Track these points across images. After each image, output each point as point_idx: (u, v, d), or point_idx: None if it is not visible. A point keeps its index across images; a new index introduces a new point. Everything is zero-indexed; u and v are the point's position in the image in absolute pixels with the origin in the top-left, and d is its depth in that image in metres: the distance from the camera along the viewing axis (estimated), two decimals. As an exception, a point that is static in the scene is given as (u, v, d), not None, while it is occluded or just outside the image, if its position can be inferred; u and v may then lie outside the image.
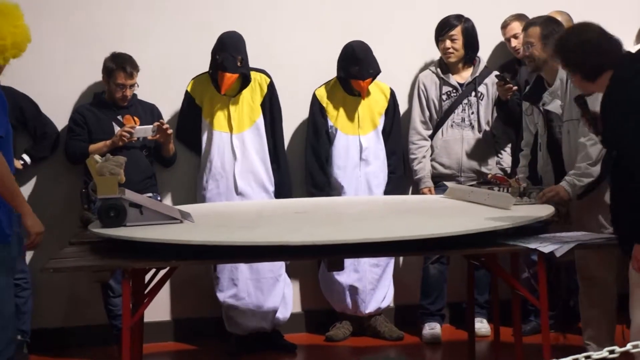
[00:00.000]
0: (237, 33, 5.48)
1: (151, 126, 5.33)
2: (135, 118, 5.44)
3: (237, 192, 5.53)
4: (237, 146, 5.55)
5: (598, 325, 4.94)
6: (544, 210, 4.40)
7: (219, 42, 5.43)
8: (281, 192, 5.63)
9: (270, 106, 5.64)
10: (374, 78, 5.61)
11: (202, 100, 5.57)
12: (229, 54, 5.38)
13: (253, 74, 5.57)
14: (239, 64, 5.40)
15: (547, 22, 4.90)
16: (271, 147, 5.63)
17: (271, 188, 5.62)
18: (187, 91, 5.60)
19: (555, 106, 4.84)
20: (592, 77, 3.96)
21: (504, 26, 5.83)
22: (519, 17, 5.76)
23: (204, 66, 5.55)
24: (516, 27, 5.74)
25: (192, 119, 5.61)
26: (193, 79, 5.60)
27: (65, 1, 5.60)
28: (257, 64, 5.58)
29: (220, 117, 5.54)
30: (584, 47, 3.97)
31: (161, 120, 5.39)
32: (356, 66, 5.53)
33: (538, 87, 4.98)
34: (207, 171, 5.56)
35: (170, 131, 5.40)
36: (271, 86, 5.64)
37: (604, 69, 3.93)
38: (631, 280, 4.07)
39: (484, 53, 5.93)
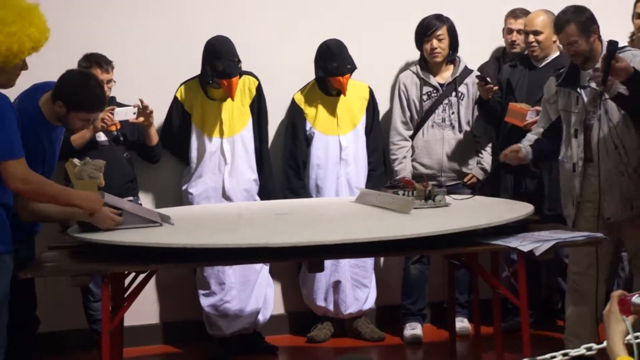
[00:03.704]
0: (224, 36, 5.48)
1: (132, 107, 5.31)
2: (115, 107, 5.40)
3: (224, 195, 5.56)
4: (228, 150, 5.57)
5: (581, 322, 4.98)
6: (522, 210, 4.46)
7: (212, 50, 5.42)
8: (264, 192, 5.65)
9: (258, 108, 5.67)
10: (351, 74, 5.64)
11: (191, 107, 5.58)
12: (228, 59, 5.39)
13: (243, 77, 5.59)
14: (239, 65, 5.45)
15: (578, 13, 4.81)
16: (257, 148, 5.66)
17: (256, 189, 5.65)
18: (175, 97, 5.61)
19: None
20: None
21: (515, 16, 5.78)
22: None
23: (184, 69, 5.60)
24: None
25: (180, 126, 5.62)
26: (182, 84, 5.61)
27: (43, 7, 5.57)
28: (238, 68, 5.60)
29: (211, 123, 5.56)
30: None
31: (140, 99, 5.35)
32: (334, 62, 5.56)
33: (573, 73, 4.93)
34: (195, 175, 5.58)
35: (150, 109, 5.36)
36: (259, 88, 5.66)
37: None
38: None
39: (462, 53, 5.94)
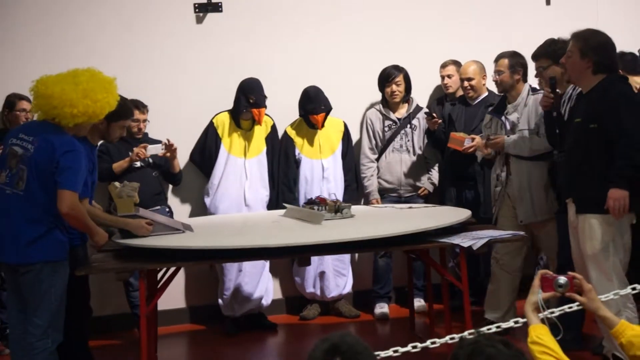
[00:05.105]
0: (255, 78, 5.50)
1: (160, 145, 5.29)
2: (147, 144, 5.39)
3: (246, 204, 5.52)
4: (248, 168, 5.54)
5: (501, 300, 4.96)
6: (463, 214, 4.47)
7: (247, 86, 5.44)
8: (273, 204, 5.61)
9: (272, 141, 5.65)
10: (327, 112, 5.62)
11: (223, 132, 5.56)
12: (259, 93, 5.42)
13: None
14: (266, 100, 5.46)
15: (513, 55, 4.96)
16: (269, 171, 5.63)
17: (267, 200, 5.61)
18: (212, 122, 5.58)
19: (514, 117, 4.90)
20: (597, 71, 3.99)
21: (443, 66, 5.84)
22: (455, 62, 5.80)
23: (201, 110, 5.60)
24: (451, 69, 5.79)
25: (209, 144, 5.58)
26: (217, 114, 5.59)
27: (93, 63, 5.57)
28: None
29: (237, 146, 5.53)
30: (611, 47, 4.04)
31: (167, 139, 5.33)
32: (311, 104, 5.56)
33: (502, 104, 5.04)
34: (221, 188, 5.53)
35: (175, 147, 5.33)
36: (273, 126, 5.66)
37: (605, 72, 4.00)
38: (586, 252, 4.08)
39: (417, 93, 5.93)
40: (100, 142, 5.35)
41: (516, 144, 4.80)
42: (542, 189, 4.81)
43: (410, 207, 5.08)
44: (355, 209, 4.85)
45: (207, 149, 5.60)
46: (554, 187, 4.76)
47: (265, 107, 5.47)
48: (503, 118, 4.96)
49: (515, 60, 4.93)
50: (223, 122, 5.57)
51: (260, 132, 5.59)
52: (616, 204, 3.88)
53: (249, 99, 5.42)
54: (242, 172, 5.53)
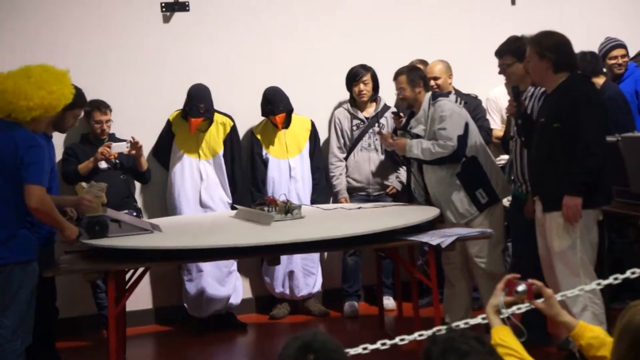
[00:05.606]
0: (202, 85, 5.44)
1: (124, 143, 5.24)
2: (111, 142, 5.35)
3: (202, 205, 5.50)
4: (203, 170, 5.51)
5: (454, 301, 4.97)
6: (431, 213, 4.50)
7: (187, 94, 5.41)
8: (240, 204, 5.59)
9: (231, 143, 5.60)
10: (287, 113, 5.59)
11: (177, 130, 5.53)
12: (194, 103, 5.35)
13: (220, 117, 5.54)
14: (201, 110, 5.38)
15: (411, 70, 5.01)
16: (229, 173, 5.59)
17: (228, 201, 5.58)
18: (168, 119, 5.56)
19: (419, 130, 4.92)
20: (558, 70, 4.09)
21: (420, 63, 5.79)
22: (422, 61, 5.75)
23: (164, 111, 5.58)
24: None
25: (166, 142, 5.57)
26: (175, 111, 5.56)
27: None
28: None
29: (190, 146, 5.50)
30: (568, 45, 4.15)
31: (132, 137, 5.28)
32: (269, 105, 5.54)
33: (410, 119, 5.07)
34: (177, 188, 5.50)
35: (140, 144, 5.28)
36: (233, 127, 5.61)
37: (566, 70, 4.09)
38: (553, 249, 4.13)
39: (385, 92, 5.91)
40: (67, 145, 5.35)
41: (416, 147, 4.81)
42: (454, 192, 4.80)
43: (359, 208, 5.07)
44: (305, 209, 4.83)
45: (162, 145, 5.60)
46: (466, 189, 4.79)
47: (203, 117, 5.39)
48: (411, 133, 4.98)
49: (413, 75, 4.95)
50: (178, 121, 5.55)
51: (217, 134, 5.56)
52: (569, 211, 3.99)
53: (185, 106, 5.42)
54: (197, 173, 5.52)
